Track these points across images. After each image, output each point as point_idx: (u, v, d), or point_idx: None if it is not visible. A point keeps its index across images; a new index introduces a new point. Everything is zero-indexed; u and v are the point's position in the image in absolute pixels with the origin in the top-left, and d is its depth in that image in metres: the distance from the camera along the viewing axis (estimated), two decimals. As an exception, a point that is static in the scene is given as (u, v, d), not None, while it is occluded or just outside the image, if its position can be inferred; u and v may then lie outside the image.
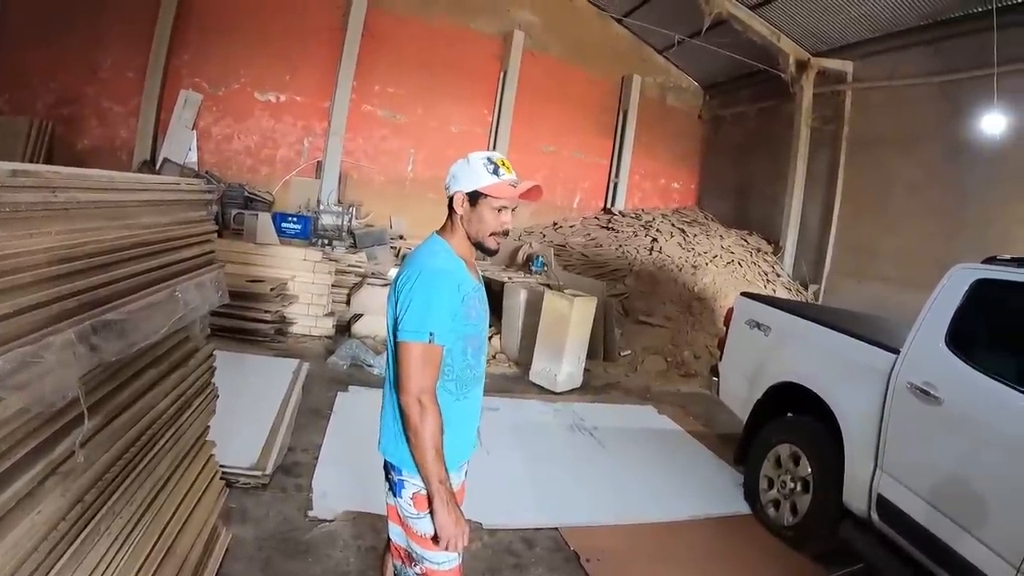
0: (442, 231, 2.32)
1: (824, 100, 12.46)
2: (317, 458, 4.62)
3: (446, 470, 2.06)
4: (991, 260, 3.95)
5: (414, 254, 2.27)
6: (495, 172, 2.21)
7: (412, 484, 2.14)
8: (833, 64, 12.19)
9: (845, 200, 11.96)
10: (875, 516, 4.02)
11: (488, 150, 2.39)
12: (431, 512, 2.07)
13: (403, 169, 13.21)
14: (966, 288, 3.87)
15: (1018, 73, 8.55)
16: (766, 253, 12.75)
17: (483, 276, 2.48)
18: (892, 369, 4.04)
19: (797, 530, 4.58)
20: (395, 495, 2.21)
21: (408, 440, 2.07)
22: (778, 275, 12.12)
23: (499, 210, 2.24)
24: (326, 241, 10.05)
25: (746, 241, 13.01)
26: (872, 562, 3.99)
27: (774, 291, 11.23)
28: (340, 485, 4.25)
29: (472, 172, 2.21)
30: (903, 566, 3.77)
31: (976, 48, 8.88)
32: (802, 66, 12.48)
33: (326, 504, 3.98)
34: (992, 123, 8.66)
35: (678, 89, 16.13)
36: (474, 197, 2.22)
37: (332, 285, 8.16)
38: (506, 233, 2.31)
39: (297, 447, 4.73)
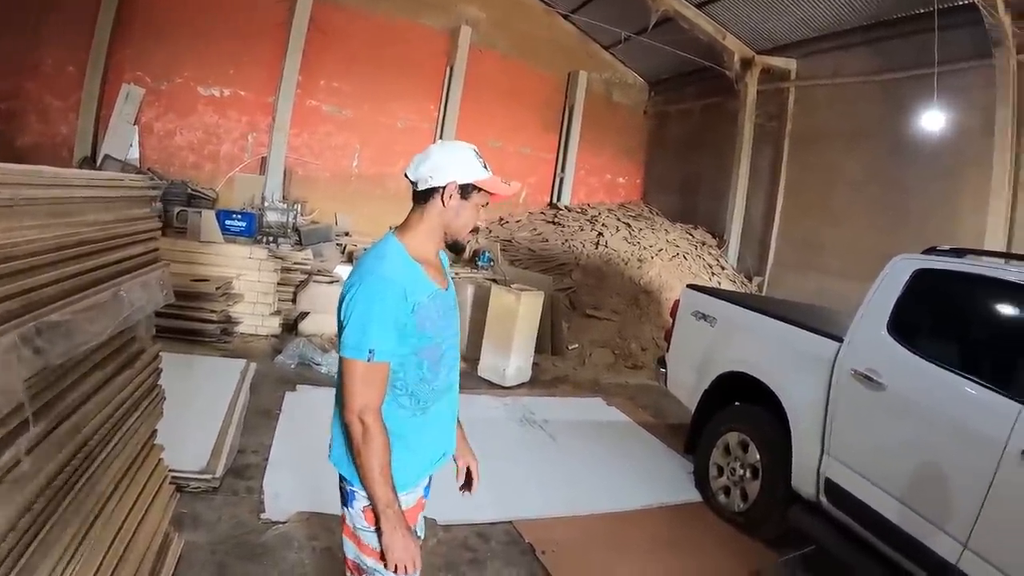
0: (401, 228, 2.10)
1: (768, 97, 12.75)
2: (267, 459, 4.55)
3: (394, 491, 1.92)
4: (931, 251, 4.12)
5: (362, 257, 2.09)
6: (484, 167, 2.07)
7: (363, 496, 1.99)
8: (777, 62, 12.45)
9: (788, 195, 12.26)
10: (824, 499, 4.15)
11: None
12: (378, 534, 1.95)
13: (348, 165, 13.08)
14: (907, 277, 4.03)
15: (956, 73, 8.89)
16: (711, 246, 12.98)
17: None
18: (836, 357, 4.16)
19: (748, 515, 4.70)
20: (346, 505, 2.10)
21: (353, 458, 1.95)
22: (723, 267, 12.36)
23: (480, 206, 2.12)
24: (271, 239, 9.86)
25: (691, 235, 13.21)
26: (823, 544, 4.12)
27: (719, 283, 11.45)
28: (292, 486, 4.19)
29: (464, 162, 2.04)
30: (854, 547, 3.90)
31: (917, 48, 9.25)
32: (746, 64, 12.74)
33: (278, 505, 3.93)
34: (932, 120, 8.99)
35: (624, 85, 16.29)
36: (467, 190, 2.05)
37: (278, 283, 8.03)
38: (477, 230, 2.20)
39: (247, 448, 4.65)
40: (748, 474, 4.76)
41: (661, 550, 4.30)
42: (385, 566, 1.98)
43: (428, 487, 2.30)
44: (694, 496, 5.15)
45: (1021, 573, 2.98)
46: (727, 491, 4.93)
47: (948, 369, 3.55)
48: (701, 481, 5.21)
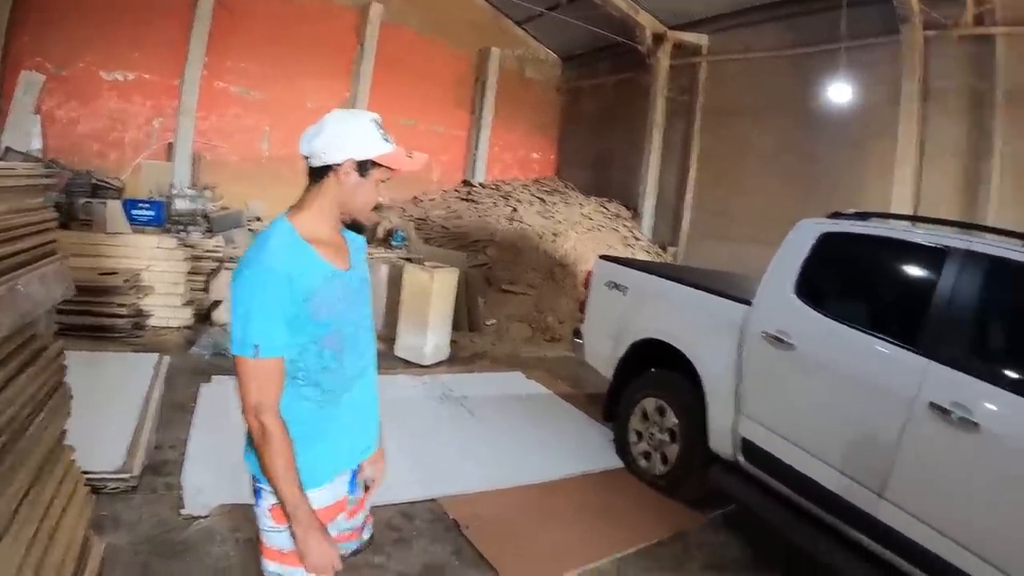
0: (295, 208, 1.93)
1: (680, 72, 12.99)
2: (185, 454, 4.44)
3: (302, 491, 1.80)
4: (836, 215, 4.28)
5: (250, 244, 1.89)
6: (386, 139, 1.88)
7: (270, 494, 1.86)
8: (689, 37, 12.70)
9: (701, 166, 12.57)
10: (741, 458, 4.30)
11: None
12: (293, 537, 1.84)
13: (258, 148, 12.69)
14: (813, 241, 4.18)
15: (865, 48, 9.36)
16: (625, 219, 13.19)
17: None
18: (746, 320, 4.30)
19: (669, 478, 4.84)
20: (255, 503, 1.96)
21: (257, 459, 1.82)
22: (637, 239, 12.58)
23: (381, 182, 1.93)
24: (181, 227, 9.54)
25: (605, 208, 13.40)
26: (744, 502, 4.26)
27: (634, 254, 11.64)
28: (211, 479, 4.10)
29: (362, 136, 1.85)
30: (774, 503, 4.04)
31: (827, 24, 9.62)
32: (659, 39, 12.93)
33: (199, 500, 3.86)
34: (840, 93, 9.37)
35: (536, 61, 16.31)
36: (366, 167, 1.87)
37: (189, 272, 7.79)
38: (380, 207, 2.02)
39: (164, 444, 4.53)
40: (667, 438, 4.89)
41: (585, 517, 4.39)
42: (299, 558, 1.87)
43: (354, 482, 2.15)
44: (616, 463, 5.26)
45: (936, 519, 3.15)
46: (647, 456, 5.05)
47: (856, 327, 3.72)
48: (622, 447, 5.32)
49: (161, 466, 4.24)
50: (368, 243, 2.22)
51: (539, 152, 16.80)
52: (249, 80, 12.40)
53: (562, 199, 13.42)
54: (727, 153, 11.98)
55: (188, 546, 3.45)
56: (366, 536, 2.33)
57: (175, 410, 5.14)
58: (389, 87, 13.54)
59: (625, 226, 12.82)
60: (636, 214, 13.36)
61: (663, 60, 13.04)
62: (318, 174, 1.90)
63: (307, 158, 1.90)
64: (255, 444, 1.80)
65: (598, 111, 15.54)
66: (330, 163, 1.86)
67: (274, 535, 1.91)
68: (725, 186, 11.88)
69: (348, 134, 1.86)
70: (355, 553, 2.32)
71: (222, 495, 3.89)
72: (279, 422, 1.79)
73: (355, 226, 2.01)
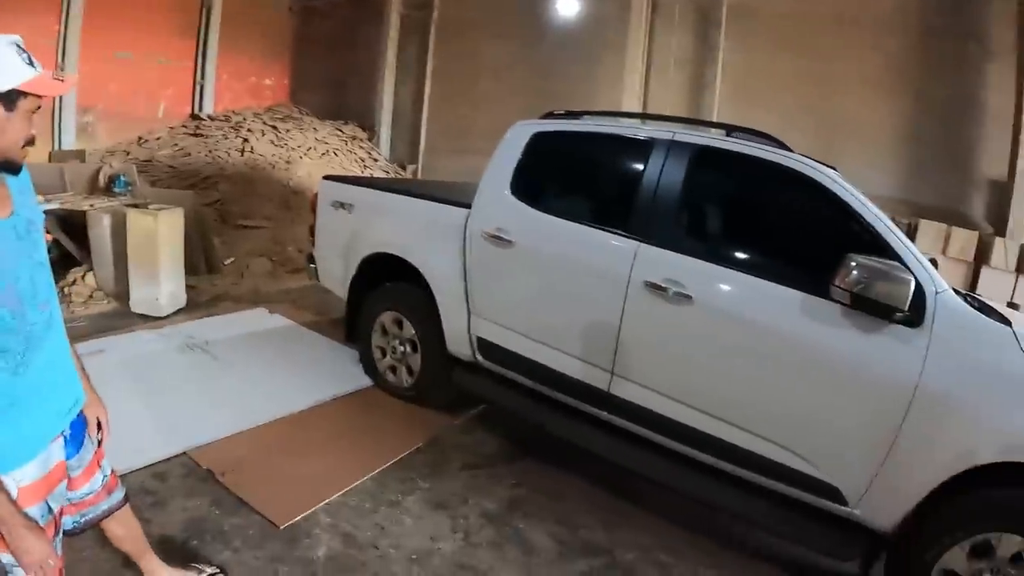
0: None
1: (415, -12, 12.84)
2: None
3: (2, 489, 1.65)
4: (548, 115, 4.45)
5: None
6: (31, 63, 1.63)
7: None
8: (423, -48, 12.56)
9: (436, 83, 12.70)
10: (479, 357, 4.44)
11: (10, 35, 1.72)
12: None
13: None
14: (526, 141, 4.32)
15: None
16: (362, 140, 13.09)
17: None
18: (467, 222, 4.37)
19: (417, 388, 4.91)
20: None
21: None
22: (375, 159, 12.58)
23: (32, 112, 1.69)
24: None
25: (341, 131, 13.17)
26: (491, 399, 4.44)
27: (372, 174, 11.68)
28: None
29: (2, 64, 1.58)
30: (519, 395, 4.23)
31: None
32: (392, -45, 12.65)
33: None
34: (567, 7, 9.77)
35: (267, -18, 15.20)
36: (11, 99, 1.60)
37: None
38: (33, 142, 1.72)
39: None
40: (408, 349, 4.91)
41: (342, 439, 4.37)
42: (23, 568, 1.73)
43: (71, 445, 2.01)
44: (365, 382, 5.25)
45: (657, 383, 3.51)
46: (394, 370, 5.06)
47: (570, 219, 3.91)
48: (368, 366, 5.29)
49: None
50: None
51: (271, 78, 15.77)
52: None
53: (296, 125, 12.94)
54: (463, 68, 12.16)
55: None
56: (118, 496, 2.30)
57: None
58: (103, 17, 11.67)
59: (362, 147, 12.71)
60: (374, 134, 13.29)
61: (397, -24, 12.85)
62: None
63: None
64: None
65: (333, 32, 14.95)
66: None
67: None
68: (461, 101, 12.08)
69: None
70: (108, 514, 2.29)
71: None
72: None
73: (7, 166, 1.72)
